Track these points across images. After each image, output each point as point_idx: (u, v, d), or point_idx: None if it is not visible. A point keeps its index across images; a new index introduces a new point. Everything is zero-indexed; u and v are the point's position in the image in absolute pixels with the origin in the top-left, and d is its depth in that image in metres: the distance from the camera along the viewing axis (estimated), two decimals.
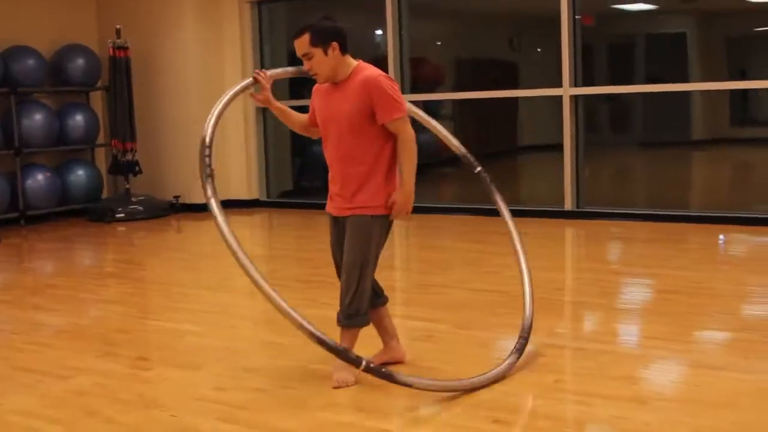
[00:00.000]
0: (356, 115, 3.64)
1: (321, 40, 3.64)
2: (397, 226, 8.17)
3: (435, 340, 4.42)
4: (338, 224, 3.81)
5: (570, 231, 7.96)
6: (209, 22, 9.84)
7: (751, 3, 11.67)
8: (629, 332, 4.57)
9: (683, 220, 7.87)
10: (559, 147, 8.44)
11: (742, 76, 12.64)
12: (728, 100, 12.81)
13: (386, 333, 3.97)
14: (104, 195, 10.08)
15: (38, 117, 9.31)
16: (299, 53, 3.69)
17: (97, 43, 10.06)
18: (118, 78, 9.41)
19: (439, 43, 12.63)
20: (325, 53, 3.65)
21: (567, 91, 8.14)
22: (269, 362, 4.17)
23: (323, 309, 5.16)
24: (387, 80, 3.68)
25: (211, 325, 5.06)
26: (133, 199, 9.52)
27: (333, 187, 3.81)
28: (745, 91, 12.22)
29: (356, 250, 3.68)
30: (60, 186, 9.45)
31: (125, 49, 9.43)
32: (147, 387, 3.85)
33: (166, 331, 4.92)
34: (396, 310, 5.02)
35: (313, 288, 5.83)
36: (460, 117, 12.99)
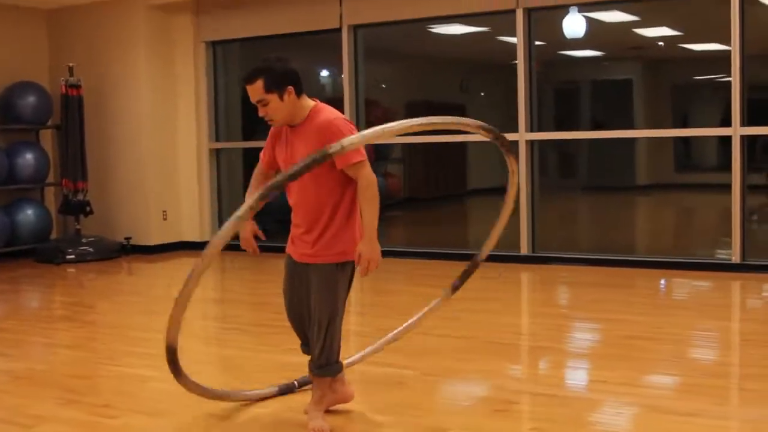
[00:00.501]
0: None
1: (275, 85, 3.50)
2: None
3: (406, 386, 4.37)
4: (298, 268, 3.72)
5: (526, 276, 8.02)
6: (163, 61, 9.79)
7: (695, 51, 12.00)
8: (597, 378, 4.57)
9: (632, 264, 7.97)
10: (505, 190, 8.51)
11: (684, 123, 12.98)
12: (672, 146, 13.13)
13: None
14: (53, 235, 9.91)
15: None
16: (253, 100, 3.53)
17: (48, 81, 9.94)
18: (70, 116, 9.29)
19: (384, 86, 12.75)
20: (281, 98, 3.51)
21: (523, 136, 8.24)
22: (237, 408, 4.10)
23: (287, 355, 5.13)
24: (345, 123, 3.56)
25: None
26: (84, 240, 9.37)
27: (296, 230, 3.71)
28: (687, 138, 12.54)
29: (324, 302, 3.59)
30: (8, 226, 9.26)
31: (78, 87, 9.32)
32: None
33: (126, 377, 4.81)
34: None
35: (274, 333, 5.75)
36: (409, 160, 13.10)
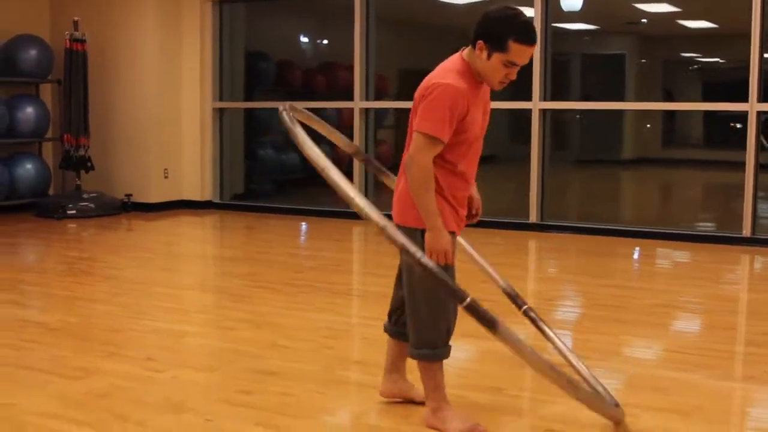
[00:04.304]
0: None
1: None
2: (357, 233, 8.14)
3: (465, 350, 4.34)
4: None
5: (534, 243, 8.04)
6: (169, 19, 9.64)
7: (687, 28, 12.02)
8: (643, 344, 4.58)
9: (640, 236, 8.01)
10: (494, 158, 8.51)
11: (669, 98, 13.01)
12: (661, 122, 13.17)
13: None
14: (51, 191, 9.77)
15: None
16: (526, 60, 3.15)
17: (50, 35, 9.75)
18: (74, 71, 9.13)
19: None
20: None
21: (537, 104, 8.23)
22: (286, 365, 4.06)
23: (322, 314, 5.13)
24: None
25: (208, 326, 4.97)
26: (85, 196, 9.25)
27: (461, 202, 3.31)
28: (673, 113, 12.58)
29: None
30: (8, 179, 9.11)
31: (83, 42, 9.16)
32: (168, 389, 3.71)
33: (162, 332, 4.76)
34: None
35: (300, 292, 5.74)
36: (402, 126, 13.03)
